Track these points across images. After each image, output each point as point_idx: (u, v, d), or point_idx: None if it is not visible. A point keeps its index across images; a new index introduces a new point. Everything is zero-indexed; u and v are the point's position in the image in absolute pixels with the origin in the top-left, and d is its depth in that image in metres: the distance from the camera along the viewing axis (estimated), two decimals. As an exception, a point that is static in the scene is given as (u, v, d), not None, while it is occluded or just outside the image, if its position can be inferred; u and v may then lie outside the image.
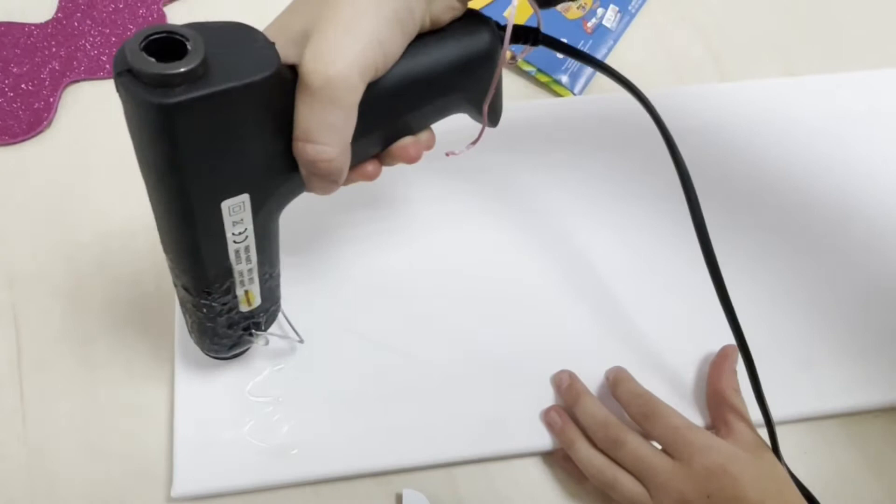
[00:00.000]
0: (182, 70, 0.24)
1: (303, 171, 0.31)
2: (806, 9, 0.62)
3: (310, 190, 0.32)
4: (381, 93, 0.30)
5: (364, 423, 0.43)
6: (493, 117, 0.36)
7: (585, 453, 0.41)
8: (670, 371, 0.46)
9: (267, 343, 0.40)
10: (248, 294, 0.35)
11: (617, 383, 0.43)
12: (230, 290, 0.34)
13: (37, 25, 0.55)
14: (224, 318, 0.36)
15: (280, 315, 0.41)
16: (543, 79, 0.54)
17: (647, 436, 0.41)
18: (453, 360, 0.45)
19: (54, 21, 0.55)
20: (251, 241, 0.32)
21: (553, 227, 0.50)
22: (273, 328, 0.40)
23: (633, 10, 0.57)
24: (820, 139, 0.54)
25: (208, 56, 0.25)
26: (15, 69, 0.53)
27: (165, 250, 0.33)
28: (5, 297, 0.47)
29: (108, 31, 0.55)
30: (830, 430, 0.45)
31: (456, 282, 0.48)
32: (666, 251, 0.49)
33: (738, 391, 0.43)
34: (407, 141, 0.34)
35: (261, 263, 0.34)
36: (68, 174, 0.51)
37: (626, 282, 0.48)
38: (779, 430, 0.40)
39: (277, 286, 0.38)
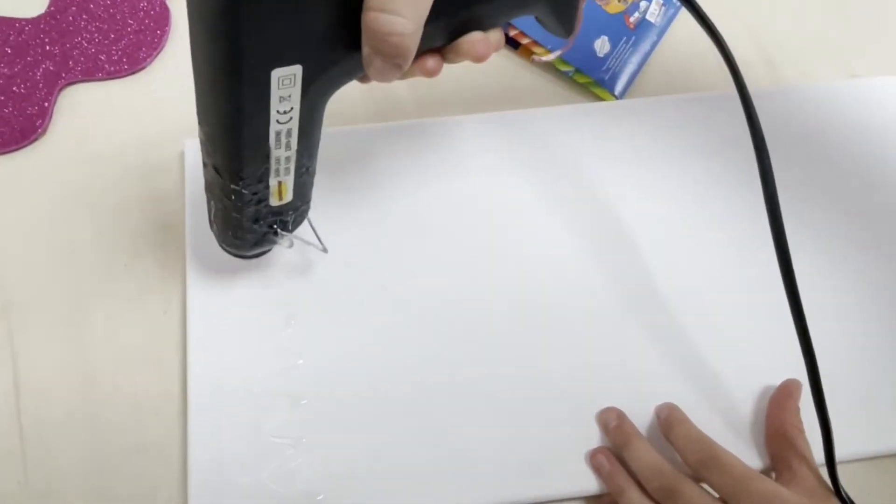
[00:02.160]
0: None
1: (367, 47, 0.28)
2: (861, 8, 0.57)
3: (368, 72, 0.29)
4: None
5: (393, 467, 0.40)
6: (571, 25, 0.34)
7: (636, 502, 0.38)
8: (724, 405, 0.42)
9: (291, 245, 0.37)
10: (282, 186, 0.34)
11: (671, 425, 0.40)
12: (263, 178, 0.33)
13: (28, 20, 0.51)
14: (252, 209, 0.34)
15: (306, 222, 0.39)
16: (582, 80, 0.50)
17: (704, 483, 0.37)
18: (489, 398, 0.41)
19: (47, 15, 0.51)
20: (294, 125, 0.30)
21: (597, 245, 0.46)
22: (298, 232, 0.38)
23: (678, 3, 0.53)
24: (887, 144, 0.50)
25: None
26: (5, 70, 0.49)
27: (201, 122, 0.31)
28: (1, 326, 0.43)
29: (106, 26, 0.51)
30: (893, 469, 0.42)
31: (492, 311, 0.44)
32: (721, 272, 0.46)
33: (802, 432, 0.40)
34: (476, 36, 0.31)
35: (300, 153, 0.32)
36: (67, 186, 0.47)
37: (678, 307, 0.44)
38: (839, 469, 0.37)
39: (311, 185, 0.36)
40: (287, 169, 0.33)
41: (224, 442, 0.40)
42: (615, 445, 0.40)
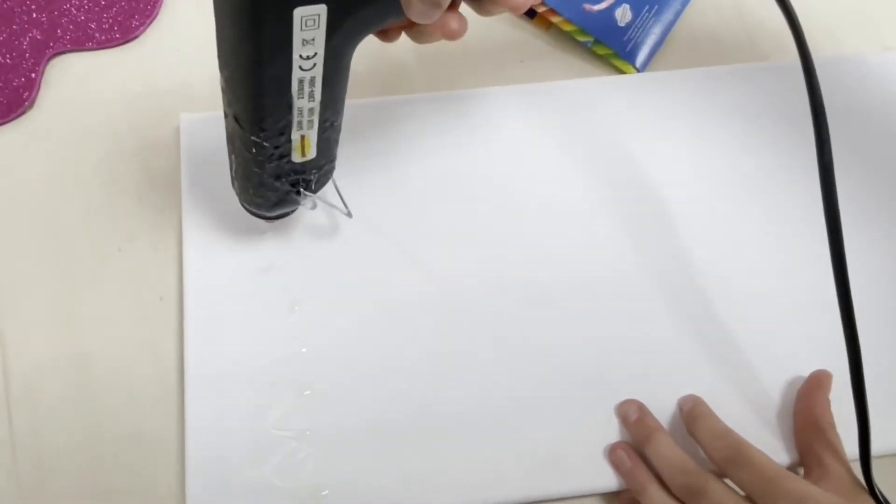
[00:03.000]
0: None
1: None
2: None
3: (407, 11, 0.27)
4: None
5: (403, 461, 0.38)
6: None
7: (659, 501, 0.36)
8: (750, 396, 0.40)
9: (314, 206, 0.37)
10: (304, 140, 0.32)
11: (695, 419, 0.38)
12: (285, 130, 0.31)
13: (13, -15, 0.48)
14: (273, 164, 0.33)
15: (331, 184, 0.38)
16: (602, 51, 0.47)
17: (731, 481, 0.35)
18: (503, 389, 0.39)
19: (33, -20, 0.48)
20: (318, 72, 0.29)
21: (618, 227, 0.43)
22: (323, 194, 0.37)
23: (703, -32, 0.50)
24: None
25: None
26: (-10, 38, 0.46)
27: (221, 67, 0.30)
28: (-12, 311, 0.41)
29: (96, -8, 0.48)
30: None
31: (507, 298, 0.41)
32: (749, 254, 0.43)
33: (833, 425, 0.38)
34: None
35: (323, 105, 0.31)
36: (55, 163, 0.44)
37: (704, 292, 0.42)
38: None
39: (336, 142, 0.35)
40: (310, 122, 0.31)
41: (224, 434, 0.38)
42: (636, 440, 0.38)
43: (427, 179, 0.44)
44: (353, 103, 0.45)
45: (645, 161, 0.45)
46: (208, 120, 0.43)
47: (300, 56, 0.28)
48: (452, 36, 0.29)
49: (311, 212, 0.41)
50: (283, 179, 0.34)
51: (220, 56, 0.30)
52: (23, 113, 0.45)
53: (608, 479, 0.38)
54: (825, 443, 0.37)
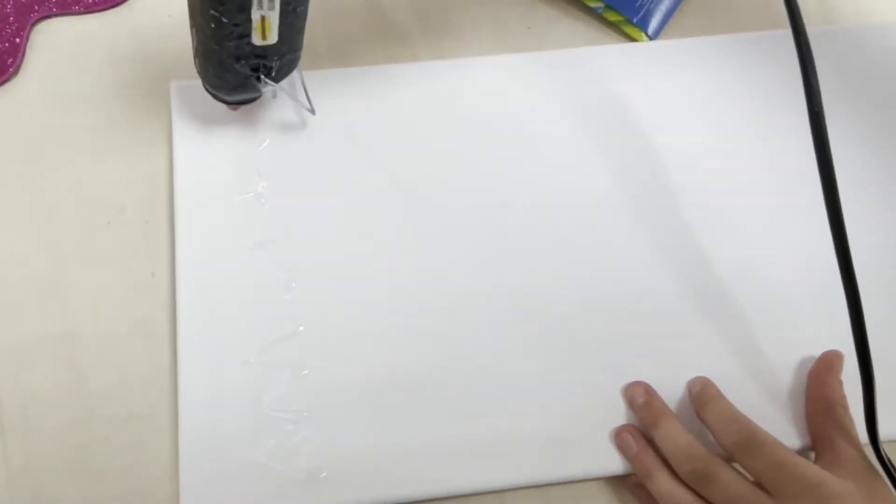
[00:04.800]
0: None
1: None
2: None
3: None
4: None
5: (403, 443, 0.37)
6: None
7: (666, 487, 0.35)
8: (760, 378, 0.39)
9: (275, 96, 0.37)
10: (265, 22, 0.32)
11: (704, 403, 0.37)
12: (245, 7, 0.31)
13: (-5, -55, 0.45)
14: (232, 44, 0.33)
15: (297, 76, 0.37)
16: (613, 17, 0.45)
17: (741, 466, 0.34)
18: (506, 371, 0.38)
19: (16, -61, 0.46)
20: None
21: (625, 201, 0.42)
22: (285, 86, 0.37)
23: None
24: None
25: None
26: (-29, 1, 0.44)
27: None
28: (-26, 286, 0.39)
29: (82, -48, 0.45)
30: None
31: (511, 283, 0.40)
32: (759, 231, 0.42)
33: (846, 407, 0.37)
34: None
35: None
36: (41, 132, 0.42)
37: (716, 271, 0.41)
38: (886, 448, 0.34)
39: (300, 30, 0.34)
40: (271, 2, 0.31)
41: (219, 416, 0.37)
42: (643, 424, 0.37)
43: (432, 145, 0.42)
44: (354, 71, 0.43)
45: (656, 131, 0.43)
46: (199, 88, 0.42)
47: None
48: None
49: (317, 173, 0.40)
50: (243, 62, 0.34)
51: None
52: (7, 79, 0.43)
53: (614, 463, 0.37)
54: (837, 426, 0.36)
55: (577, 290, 0.40)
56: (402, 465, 0.36)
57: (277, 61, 0.34)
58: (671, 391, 0.38)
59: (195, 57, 0.35)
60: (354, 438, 0.37)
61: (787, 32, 0.46)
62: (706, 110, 0.44)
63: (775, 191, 0.43)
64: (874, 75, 0.45)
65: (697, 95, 0.44)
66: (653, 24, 0.45)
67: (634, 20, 0.44)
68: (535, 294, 0.40)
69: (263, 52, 0.34)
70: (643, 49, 0.45)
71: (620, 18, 0.45)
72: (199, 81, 0.41)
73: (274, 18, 0.32)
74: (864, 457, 0.35)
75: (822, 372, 0.38)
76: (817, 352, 0.39)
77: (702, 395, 0.37)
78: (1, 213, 0.41)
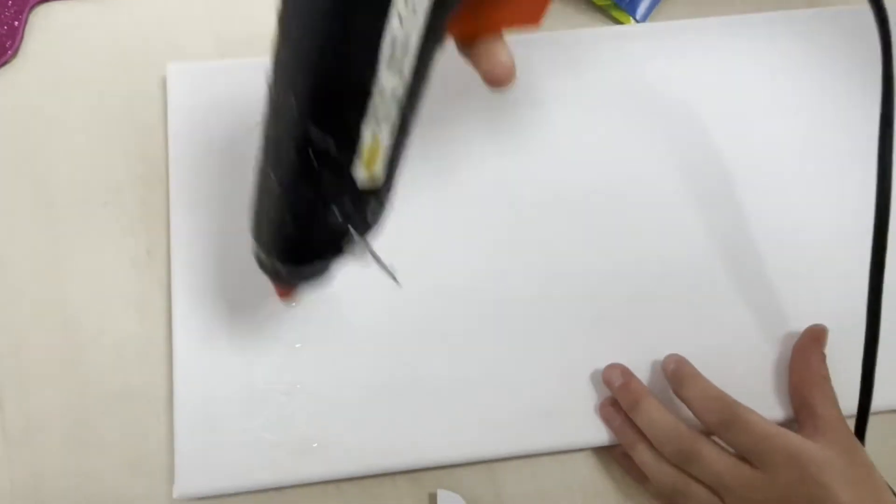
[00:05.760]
0: None
1: None
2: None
3: None
4: None
5: (394, 415, 0.37)
6: None
7: (649, 459, 0.36)
8: (745, 352, 0.40)
9: (364, 261, 0.27)
10: (376, 142, 0.23)
11: (682, 381, 0.37)
12: (355, 126, 0.22)
13: (-6, -69, 0.46)
14: (329, 176, 0.24)
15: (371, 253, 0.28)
16: (600, 1, 0.46)
17: (723, 442, 0.35)
18: (494, 345, 0.39)
19: (14, -74, 0.46)
20: (414, 36, 0.21)
21: (614, 184, 0.42)
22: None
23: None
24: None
25: None
26: (-30, -14, 0.45)
27: (283, 22, 0.22)
28: (-27, 264, 0.40)
29: (79, -62, 0.46)
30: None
31: (500, 263, 0.41)
32: (747, 211, 0.42)
33: (828, 381, 0.37)
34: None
35: (409, 93, 0.23)
36: (39, 115, 0.43)
37: (701, 246, 0.41)
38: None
39: (399, 167, 0.26)
40: (387, 115, 0.23)
41: (213, 389, 0.37)
42: (624, 406, 0.37)
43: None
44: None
45: (646, 115, 0.44)
46: (195, 70, 0.42)
47: (402, 2, 0.20)
48: (501, 81, 0.27)
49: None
50: (338, 206, 0.24)
51: (284, 14, 0.22)
52: (5, 63, 0.44)
53: (600, 434, 0.38)
54: (820, 398, 0.36)
55: (565, 272, 0.41)
56: (391, 436, 0.37)
57: (372, 203, 0.26)
58: (656, 368, 0.39)
59: (258, 213, 0.27)
60: (345, 410, 0.37)
61: (775, 14, 0.47)
62: (694, 91, 0.44)
63: (761, 170, 0.43)
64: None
65: (685, 77, 0.45)
66: (641, 8, 0.46)
67: (622, 4, 0.45)
68: (524, 276, 0.40)
69: (359, 196, 0.25)
70: (630, 32, 0.45)
71: (608, 2, 0.45)
72: (195, 63, 0.42)
73: (385, 140, 0.23)
74: (846, 427, 0.36)
75: (806, 345, 0.39)
76: (801, 327, 0.40)
77: (678, 374, 0.37)
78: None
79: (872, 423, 0.36)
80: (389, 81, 0.22)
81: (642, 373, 0.38)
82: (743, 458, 0.34)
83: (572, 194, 0.42)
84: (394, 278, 0.29)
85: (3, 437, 0.37)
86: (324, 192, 0.24)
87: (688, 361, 0.38)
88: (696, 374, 0.37)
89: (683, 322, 0.40)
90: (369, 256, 0.27)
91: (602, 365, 0.39)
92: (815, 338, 0.39)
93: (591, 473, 0.38)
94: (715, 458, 0.34)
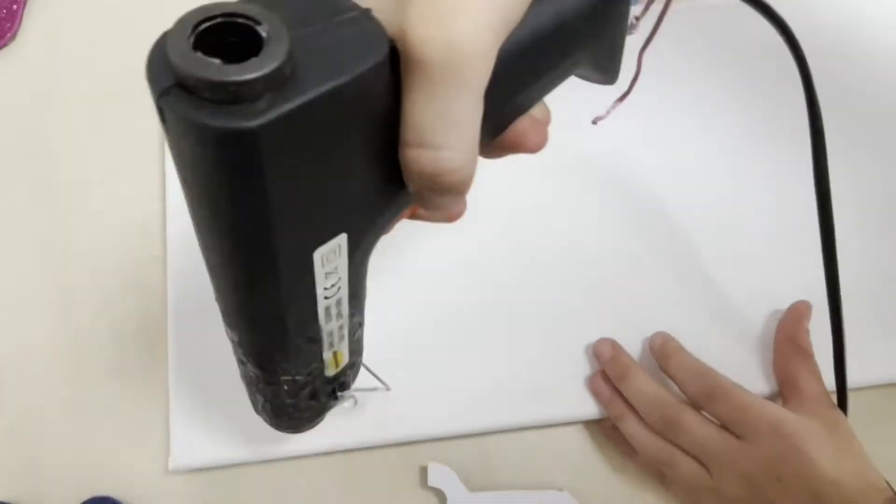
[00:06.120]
0: (265, 72, 0.16)
1: (413, 186, 0.22)
2: None
3: (423, 207, 0.24)
4: (506, 58, 0.20)
5: (389, 389, 0.38)
6: (615, 71, 0.28)
7: (637, 430, 0.36)
8: (726, 330, 0.40)
9: (355, 404, 0.33)
10: (337, 355, 0.28)
11: (667, 356, 0.38)
12: (316, 357, 0.27)
13: (-6, -84, 0.47)
14: (308, 389, 0.29)
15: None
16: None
17: (707, 413, 0.36)
18: (489, 320, 0.40)
19: (14, -90, 0.47)
20: (343, 293, 0.25)
21: (592, 164, 0.43)
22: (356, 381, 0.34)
23: None
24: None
25: (292, 44, 0.16)
26: (-30, -31, 0.45)
27: (230, 326, 0.26)
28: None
29: (77, -77, 0.47)
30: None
31: (490, 241, 0.41)
32: (727, 189, 0.43)
33: (811, 356, 0.38)
34: (525, 124, 0.25)
35: (351, 315, 0.27)
36: (38, 97, 0.44)
37: (681, 226, 0.42)
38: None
39: (363, 335, 0.31)
40: (341, 336, 0.27)
41: (207, 364, 0.38)
42: (613, 378, 0.38)
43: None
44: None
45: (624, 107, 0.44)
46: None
47: (324, 288, 0.23)
48: (453, 218, 0.26)
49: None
50: (319, 395, 0.30)
51: (223, 312, 0.25)
52: (5, 45, 0.45)
53: (590, 407, 0.38)
54: (803, 372, 0.37)
55: (556, 250, 0.41)
56: (382, 409, 0.38)
57: (350, 373, 0.31)
58: (643, 344, 0.40)
59: (260, 412, 0.32)
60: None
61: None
62: (671, 75, 0.45)
63: (743, 146, 0.44)
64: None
65: (662, 61, 0.45)
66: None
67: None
68: (515, 254, 0.41)
69: (336, 377, 0.30)
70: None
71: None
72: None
73: (345, 347, 0.28)
74: (829, 400, 0.36)
75: (790, 321, 0.39)
76: (786, 304, 0.40)
77: (663, 350, 0.38)
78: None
79: (859, 398, 0.36)
80: (334, 325, 0.26)
81: (631, 350, 0.39)
82: (726, 428, 0.35)
83: (561, 174, 0.43)
84: (386, 387, 0.35)
85: (1, 414, 0.38)
86: (307, 396, 0.29)
87: (673, 338, 0.39)
88: (681, 350, 0.38)
89: (671, 300, 0.41)
90: (360, 395, 0.33)
91: (591, 341, 0.39)
92: (799, 314, 0.39)
93: (580, 447, 0.39)
94: (699, 427, 0.35)
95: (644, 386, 0.37)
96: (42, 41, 0.45)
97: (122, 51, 0.45)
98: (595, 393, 0.38)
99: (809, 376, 0.37)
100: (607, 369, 0.38)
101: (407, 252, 0.41)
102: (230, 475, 0.37)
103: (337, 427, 0.37)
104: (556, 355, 0.39)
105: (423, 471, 0.37)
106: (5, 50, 0.45)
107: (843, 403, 0.36)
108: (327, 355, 0.28)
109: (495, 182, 0.42)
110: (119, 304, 0.40)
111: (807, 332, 0.39)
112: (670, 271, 0.41)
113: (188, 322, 0.38)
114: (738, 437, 0.35)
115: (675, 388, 0.37)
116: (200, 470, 0.37)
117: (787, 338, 0.39)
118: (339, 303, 0.25)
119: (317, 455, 0.38)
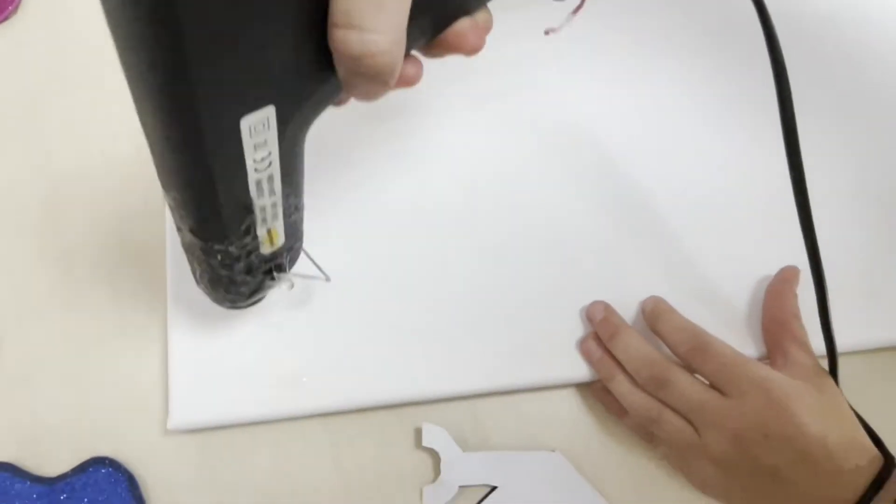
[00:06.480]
0: None
1: (341, 70, 0.23)
2: None
3: (351, 94, 0.26)
4: None
5: (381, 351, 0.39)
6: None
7: (626, 389, 0.37)
8: (716, 297, 0.41)
9: (292, 286, 0.34)
10: (271, 233, 0.30)
11: (657, 317, 0.39)
12: (250, 230, 0.29)
13: None
14: (242, 263, 0.30)
15: (302, 252, 0.35)
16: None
17: (695, 372, 0.37)
18: (479, 285, 0.40)
19: None
20: (275, 169, 0.26)
21: (579, 136, 0.44)
22: (296, 268, 0.35)
23: None
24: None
25: None
26: (-28, -55, 0.46)
27: (165, 187, 0.27)
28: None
29: None
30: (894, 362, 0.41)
31: (482, 202, 0.42)
32: (713, 158, 0.44)
33: (799, 318, 0.39)
34: (465, 25, 0.26)
35: (286, 195, 0.28)
36: (41, 71, 0.45)
37: (671, 196, 0.43)
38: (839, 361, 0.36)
39: (301, 220, 0.33)
40: (274, 214, 0.29)
41: (206, 325, 0.39)
42: (603, 338, 0.39)
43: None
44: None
45: (594, 69, 0.45)
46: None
47: (254, 160, 0.25)
48: (410, 83, 0.27)
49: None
50: (255, 272, 0.32)
51: (160, 175, 0.26)
52: (7, 17, 0.45)
53: (581, 371, 0.39)
54: (791, 335, 0.38)
55: (548, 212, 0.42)
56: (376, 372, 0.38)
57: (287, 256, 0.33)
58: (631, 310, 0.40)
59: (199, 283, 0.33)
60: (334, 347, 0.39)
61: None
62: (645, 46, 0.46)
63: (719, 116, 0.45)
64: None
65: (634, 32, 0.46)
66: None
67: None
68: (507, 216, 0.42)
69: (273, 256, 0.32)
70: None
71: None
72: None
73: (279, 226, 0.30)
74: (816, 362, 0.37)
75: (778, 285, 0.40)
76: (775, 269, 0.41)
77: (655, 310, 0.39)
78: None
79: (844, 363, 0.37)
80: (266, 201, 0.27)
81: (623, 315, 0.40)
82: (714, 387, 0.36)
83: (553, 135, 0.44)
84: (326, 277, 0.36)
85: (3, 376, 0.39)
86: (242, 270, 0.31)
87: (665, 300, 0.39)
88: (672, 310, 0.39)
89: (662, 266, 0.41)
90: (296, 279, 0.34)
91: (584, 304, 0.40)
92: (787, 278, 0.40)
93: (571, 410, 0.39)
94: (686, 384, 0.35)
95: (634, 344, 0.37)
96: (43, 15, 0.46)
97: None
98: (586, 354, 0.39)
99: (796, 338, 0.38)
100: (598, 329, 0.39)
101: (399, 216, 0.42)
102: (227, 436, 0.38)
103: (333, 388, 0.38)
104: (550, 319, 0.40)
105: (418, 432, 0.38)
106: (7, 24, 0.45)
107: (833, 369, 0.37)
108: (261, 231, 0.29)
109: (488, 145, 0.43)
110: (118, 265, 0.40)
111: (794, 295, 0.39)
112: (662, 239, 0.42)
113: (187, 283, 0.39)
114: (725, 395, 0.35)
115: (667, 350, 0.38)
116: (198, 430, 0.38)
117: (775, 301, 0.40)
118: (270, 179, 0.26)
119: (313, 416, 0.38)
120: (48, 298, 0.40)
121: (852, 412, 0.35)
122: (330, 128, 0.42)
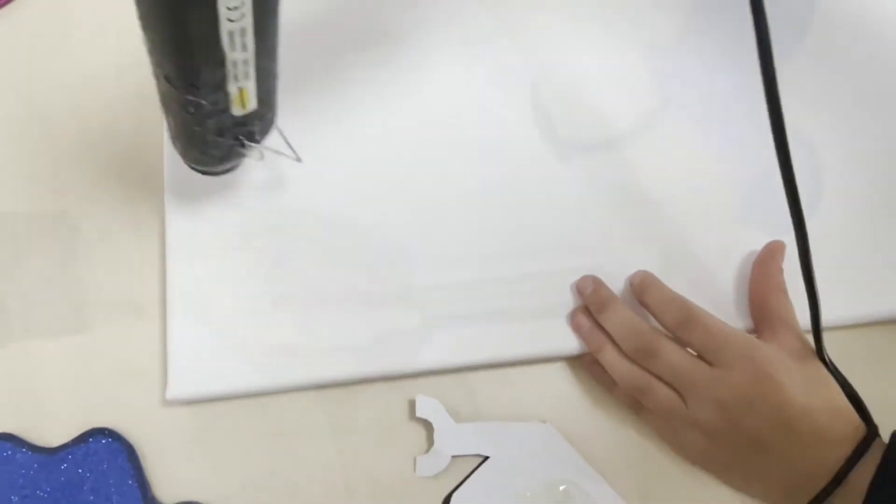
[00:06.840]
0: None
1: None
2: None
3: None
4: None
5: (376, 324, 0.39)
6: None
7: (615, 360, 0.38)
8: (704, 272, 0.42)
9: (262, 157, 0.35)
10: (243, 93, 0.31)
11: (645, 290, 0.39)
12: (221, 85, 0.30)
13: None
14: (213, 120, 0.32)
15: (276, 131, 0.36)
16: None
17: (682, 343, 0.37)
18: (469, 260, 0.41)
19: None
20: (248, 22, 0.27)
21: (563, 108, 0.45)
22: (268, 143, 0.36)
23: None
24: None
25: None
26: (-26, -69, 0.47)
27: (143, 26, 0.28)
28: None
29: None
30: (879, 337, 0.42)
31: (474, 173, 0.43)
32: (699, 132, 0.44)
33: (785, 292, 0.39)
34: None
35: (258, 55, 0.29)
36: (41, 55, 0.45)
37: (656, 171, 0.43)
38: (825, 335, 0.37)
39: (275, 90, 0.34)
40: (246, 73, 0.30)
41: (204, 298, 0.39)
42: (593, 311, 0.39)
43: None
44: None
45: (583, 39, 0.46)
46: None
47: (227, 8, 0.26)
48: None
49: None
50: (227, 134, 0.33)
51: (140, 17, 0.27)
52: (5, 3, 0.46)
53: (571, 344, 0.40)
54: (777, 309, 0.39)
55: (539, 185, 0.43)
56: (370, 344, 0.39)
57: (258, 124, 0.34)
58: (621, 284, 0.41)
59: (174, 140, 0.35)
60: (329, 319, 0.39)
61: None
62: (633, 15, 0.47)
63: (708, 88, 0.45)
64: None
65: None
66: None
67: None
68: (499, 188, 0.43)
69: (244, 121, 0.33)
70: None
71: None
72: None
73: (251, 88, 0.31)
74: (802, 336, 0.38)
75: (765, 258, 0.41)
76: (761, 245, 0.42)
77: (642, 284, 0.40)
78: (2, 130, 0.44)
79: (830, 338, 0.37)
80: (238, 56, 0.28)
81: (612, 286, 0.40)
82: (701, 357, 0.36)
83: (547, 103, 0.44)
84: (296, 157, 0.37)
85: (4, 351, 0.39)
86: (213, 128, 0.32)
87: (652, 274, 0.40)
88: (658, 283, 0.39)
89: (651, 239, 0.42)
90: (267, 153, 0.35)
91: (575, 278, 0.41)
92: (773, 252, 0.41)
93: (562, 383, 0.40)
94: (674, 354, 0.36)
95: (623, 316, 0.38)
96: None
97: (128, 6, 0.46)
98: (576, 326, 0.40)
99: (781, 310, 0.38)
100: (588, 302, 0.39)
101: (393, 186, 0.42)
102: (224, 407, 0.39)
103: (329, 360, 0.39)
104: (541, 293, 0.40)
105: (412, 404, 0.39)
106: (6, 8, 0.46)
107: (818, 342, 0.37)
108: (232, 89, 0.30)
109: (480, 115, 0.44)
110: (119, 241, 0.41)
111: (780, 270, 0.40)
112: (651, 213, 0.43)
113: (186, 256, 0.40)
114: (712, 365, 0.36)
115: (655, 323, 0.39)
116: (196, 402, 0.38)
117: (761, 274, 0.40)
118: (243, 32, 0.27)
119: (309, 389, 0.39)
120: (50, 270, 0.40)
121: (838, 385, 0.36)
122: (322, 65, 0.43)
